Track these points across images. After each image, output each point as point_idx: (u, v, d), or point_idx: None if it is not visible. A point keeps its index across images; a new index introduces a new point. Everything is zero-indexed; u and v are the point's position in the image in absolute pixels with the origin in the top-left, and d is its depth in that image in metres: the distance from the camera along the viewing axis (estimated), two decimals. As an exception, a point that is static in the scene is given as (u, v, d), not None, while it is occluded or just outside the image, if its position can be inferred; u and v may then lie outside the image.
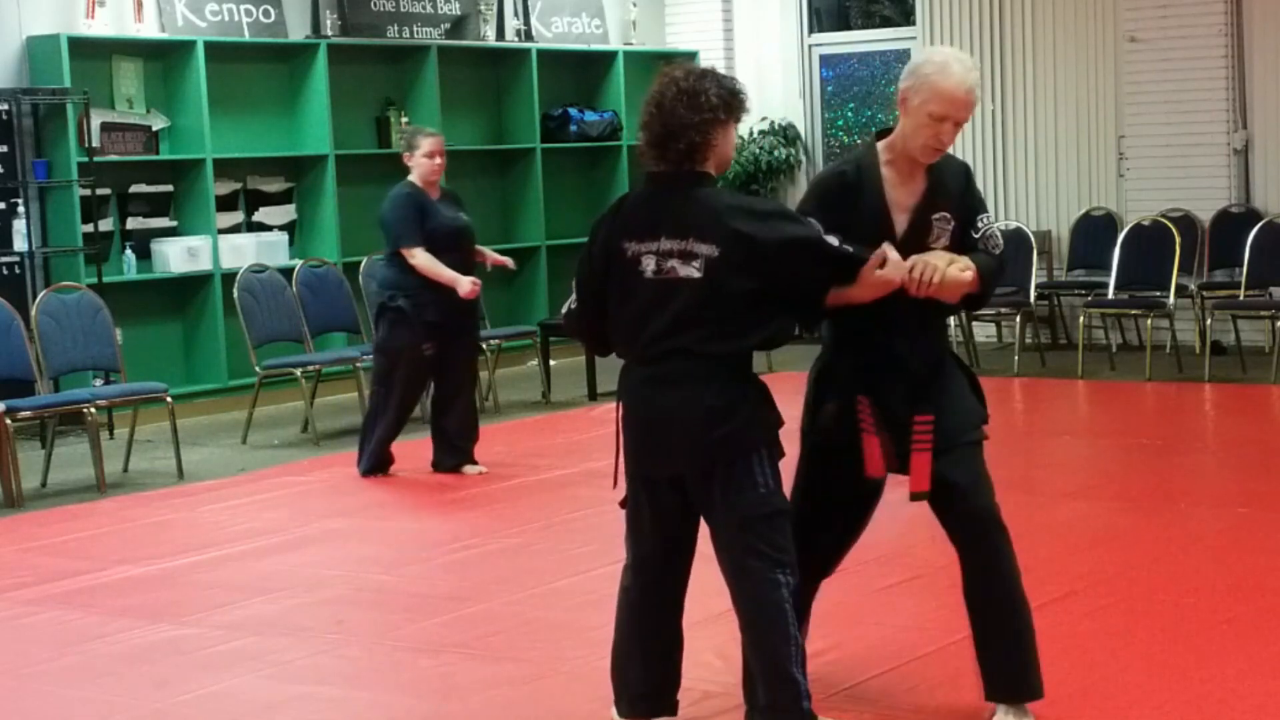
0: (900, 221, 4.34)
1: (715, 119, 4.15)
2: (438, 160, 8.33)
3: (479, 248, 8.73)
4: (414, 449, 8.63)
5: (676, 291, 4.11)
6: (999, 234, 4.47)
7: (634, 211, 4.24)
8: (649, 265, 4.14)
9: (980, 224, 4.40)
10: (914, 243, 4.30)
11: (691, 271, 4.10)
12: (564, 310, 4.41)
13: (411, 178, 8.36)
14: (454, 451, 8.48)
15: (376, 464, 8.44)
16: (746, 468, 4.13)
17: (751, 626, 4.20)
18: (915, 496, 4.36)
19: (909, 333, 4.35)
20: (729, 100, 4.18)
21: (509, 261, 9.06)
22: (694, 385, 4.12)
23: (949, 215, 4.36)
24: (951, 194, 4.38)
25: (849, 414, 4.34)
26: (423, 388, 8.65)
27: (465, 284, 8.22)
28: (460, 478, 8.34)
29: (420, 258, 8.21)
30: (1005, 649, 4.39)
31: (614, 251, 4.20)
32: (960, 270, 4.26)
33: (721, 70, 12.88)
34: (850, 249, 4.16)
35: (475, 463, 8.47)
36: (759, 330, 4.16)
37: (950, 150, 4.37)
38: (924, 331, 4.38)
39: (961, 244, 4.37)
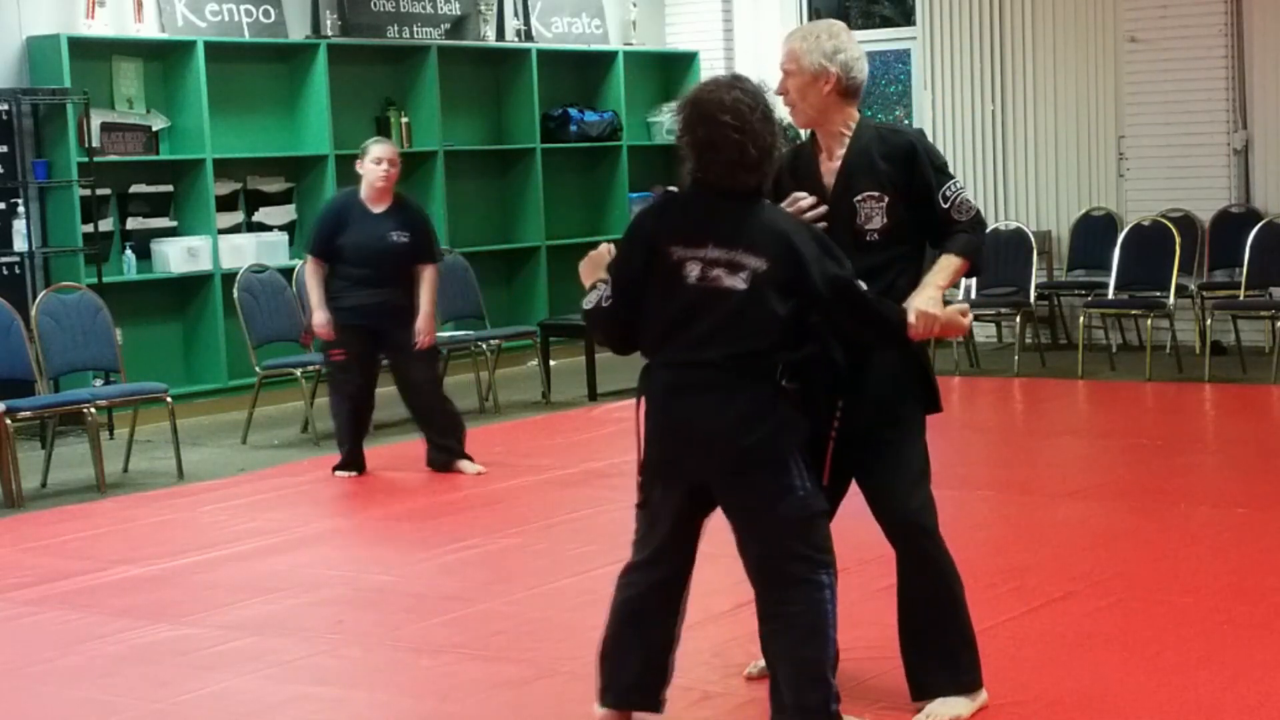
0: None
1: (779, 125, 4.19)
2: (384, 167, 8.28)
3: (419, 327, 8.29)
4: (413, 449, 8.63)
5: (718, 300, 4.10)
6: (968, 198, 4.48)
7: (683, 215, 4.22)
8: (693, 271, 4.12)
9: (948, 193, 4.42)
10: (838, 225, 4.33)
11: (737, 283, 4.09)
12: (591, 305, 4.31)
13: (362, 185, 8.39)
14: (440, 449, 8.47)
15: (344, 463, 8.44)
16: (784, 472, 4.14)
17: (791, 629, 4.18)
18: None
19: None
20: (771, 105, 4.22)
21: (421, 339, 8.35)
22: (724, 392, 4.11)
23: (878, 194, 4.38)
24: (881, 171, 4.40)
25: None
26: (355, 389, 8.43)
27: (317, 318, 8.34)
28: (459, 477, 8.32)
29: (308, 268, 8.45)
30: (916, 652, 4.48)
31: (657, 253, 4.17)
32: (960, 314, 4.33)
33: (721, 70, 12.90)
34: (881, 304, 4.21)
35: (470, 459, 8.44)
36: (795, 347, 4.17)
37: (905, 126, 4.43)
38: None
39: (930, 217, 4.40)
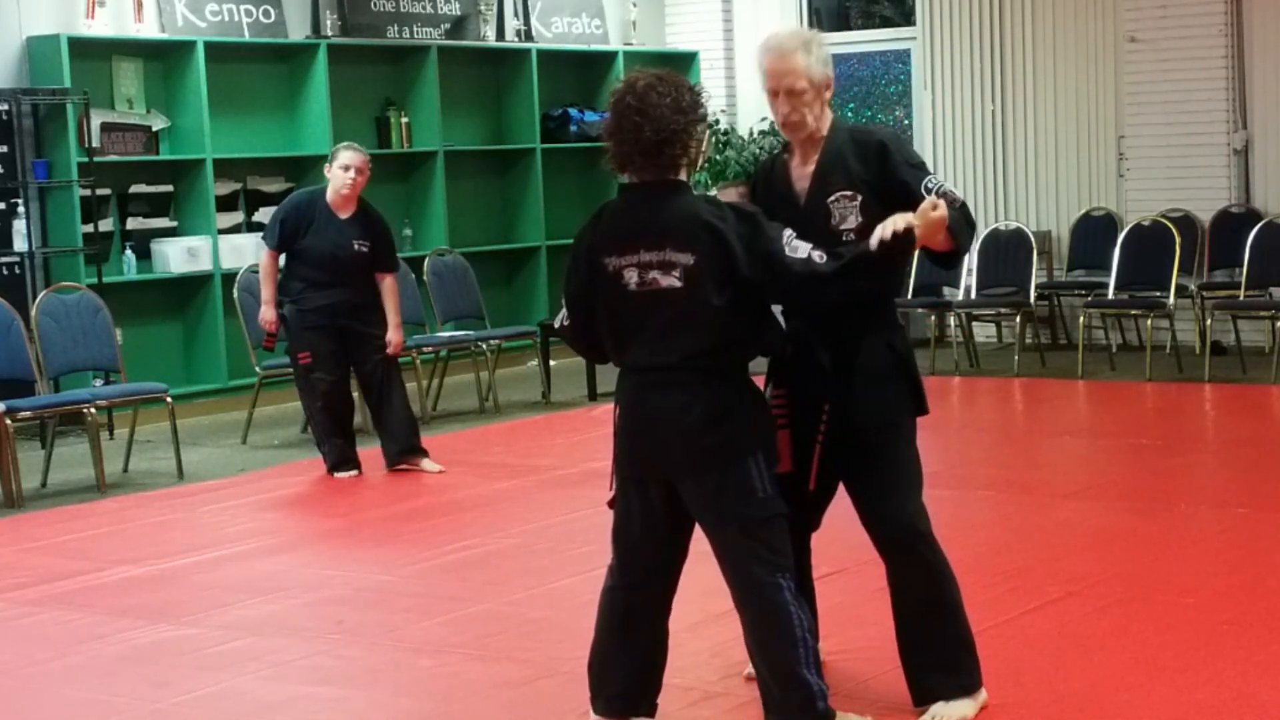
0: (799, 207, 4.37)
1: (699, 119, 4.16)
2: (353, 175, 8.31)
3: (390, 338, 8.40)
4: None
5: (660, 302, 4.11)
6: (953, 190, 4.39)
7: (612, 224, 4.24)
8: (631, 278, 4.14)
9: (930, 184, 4.33)
10: (809, 228, 4.21)
11: (673, 281, 4.10)
12: (558, 325, 4.43)
13: (328, 189, 8.41)
14: (396, 440, 8.47)
15: (335, 462, 8.44)
16: (743, 473, 4.13)
17: (756, 631, 4.20)
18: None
19: (821, 320, 4.34)
20: (699, 100, 4.18)
21: (392, 345, 8.49)
22: (687, 391, 4.13)
23: (851, 193, 4.31)
24: (853, 170, 4.34)
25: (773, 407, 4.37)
26: (327, 390, 8.44)
27: (264, 314, 8.46)
28: (461, 478, 8.32)
29: (262, 261, 8.53)
30: (917, 657, 4.44)
31: (596, 266, 4.19)
32: (929, 209, 4.13)
33: (721, 70, 12.87)
34: (819, 260, 4.08)
35: (425, 455, 8.46)
36: (749, 337, 4.17)
37: (876, 125, 4.35)
38: (839, 319, 4.34)
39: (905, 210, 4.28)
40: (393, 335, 8.43)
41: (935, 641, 4.44)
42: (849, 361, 4.36)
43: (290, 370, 9.80)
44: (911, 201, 4.25)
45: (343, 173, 8.31)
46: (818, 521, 4.62)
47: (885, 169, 4.36)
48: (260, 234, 11.21)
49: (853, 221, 4.32)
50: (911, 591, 4.43)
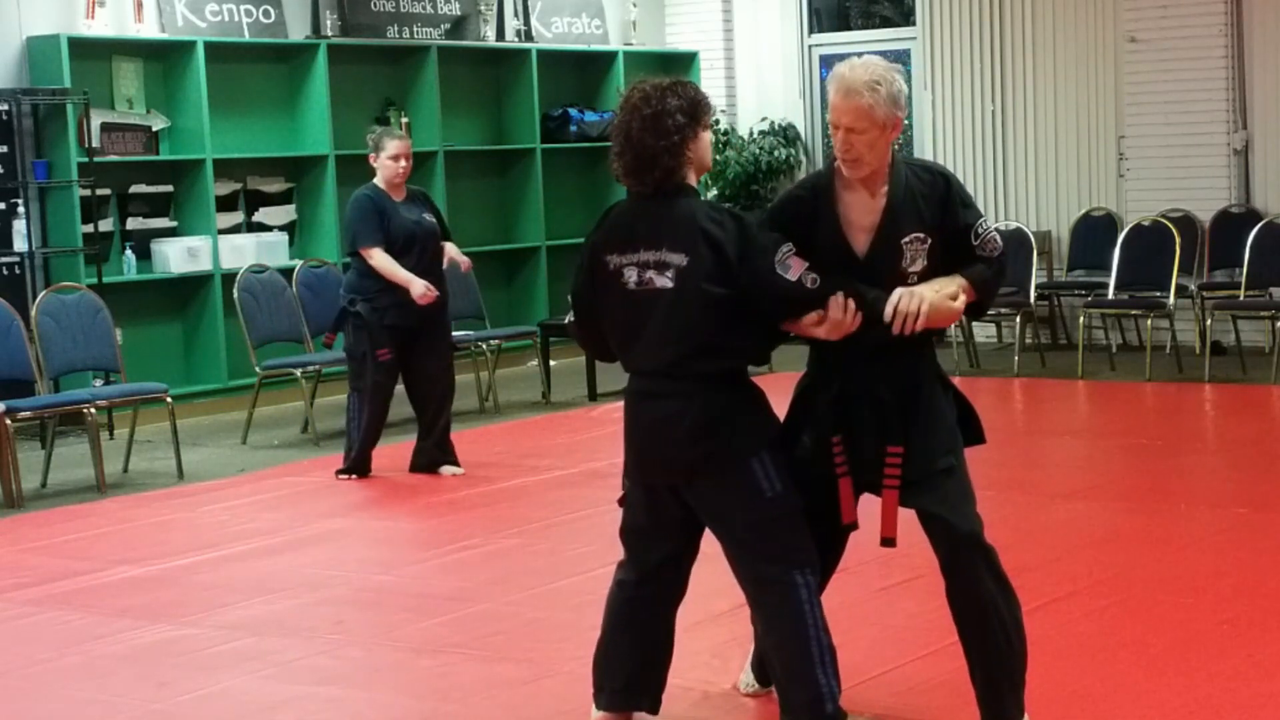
0: (860, 242, 4.21)
1: (684, 137, 4.15)
2: (403, 164, 8.35)
3: (446, 244, 8.59)
4: (407, 451, 8.61)
5: (655, 302, 4.13)
6: (997, 236, 4.34)
7: (616, 224, 4.27)
8: (631, 277, 4.16)
9: (980, 229, 4.27)
10: (881, 266, 4.17)
11: (665, 282, 4.11)
12: (566, 320, 4.48)
13: (376, 180, 8.40)
14: (437, 446, 8.45)
15: (353, 467, 8.42)
16: (747, 476, 4.13)
17: (770, 631, 4.20)
18: (884, 542, 4.28)
19: (880, 359, 4.22)
20: (692, 111, 4.16)
21: (464, 261, 9.05)
22: (680, 399, 4.13)
23: (923, 235, 4.21)
24: (924, 213, 4.23)
25: (824, 451, 4.25)
26: (389, 391, 8.44)
27: (418, 286, 8.17)
28: (458, 479, 8.32)
29: (378, 258, 8.23)
30: (986, 673, 4.28)
31: (598, 265, 4.22)
32: (949, 298, 4.17)
33: (721, 70, 12.88)
34: (810, 284, 4.07)
35: (454, 464, 8.45)
36: (740, 343, 4.14)
37: (930, 162, 4.25)
38: (897, 356, 4.23)
39: (958, 255, 4.26)
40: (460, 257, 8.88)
41: (1008, 657, 4.28)
42: (913, 399, 4.25)
43: (291, 371, 9.83)
44: (967, 248, 4.25)
45: (393, 163, 8.35)
46: (835, 562, 4.54)
47: (948, 212, 4.25)
48: (259, 234, 11.27)
49: (920, 264, 4.21)
50: (976, 605, 4.25)
